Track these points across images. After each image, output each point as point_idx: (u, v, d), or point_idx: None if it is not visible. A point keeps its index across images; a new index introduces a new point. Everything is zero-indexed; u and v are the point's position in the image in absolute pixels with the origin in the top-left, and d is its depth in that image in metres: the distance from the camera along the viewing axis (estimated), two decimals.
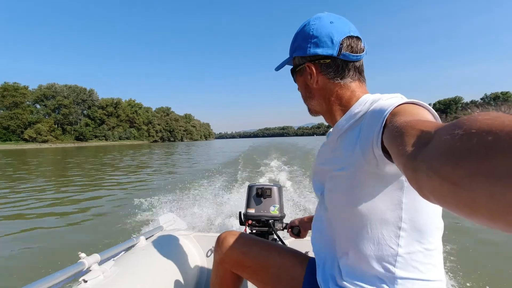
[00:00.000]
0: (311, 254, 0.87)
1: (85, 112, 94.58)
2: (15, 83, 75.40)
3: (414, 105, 0.49)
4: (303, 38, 0.68)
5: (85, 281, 0.87)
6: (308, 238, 1.14)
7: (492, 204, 0.19)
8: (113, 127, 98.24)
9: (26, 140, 71.99)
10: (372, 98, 0.61)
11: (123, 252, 1.17)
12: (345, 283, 0.63)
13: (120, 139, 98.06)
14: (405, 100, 0.51)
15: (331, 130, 0.71)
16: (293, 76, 0.75)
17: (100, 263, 0.99)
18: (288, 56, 0.74)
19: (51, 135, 78.31)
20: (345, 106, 0.66)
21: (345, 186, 0.60)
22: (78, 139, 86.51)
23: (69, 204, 5.09)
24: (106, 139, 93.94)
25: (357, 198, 0.58)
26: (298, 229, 1.15)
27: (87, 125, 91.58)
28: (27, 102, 77.95)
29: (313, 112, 0.73)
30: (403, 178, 0.54)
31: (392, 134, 0.41)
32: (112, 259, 1.08)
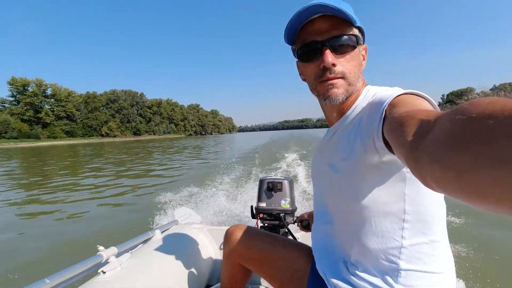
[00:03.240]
0: None
1: (137, 111, 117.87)
2: (94, 92, 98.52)
3: (413, 96, 0.49)
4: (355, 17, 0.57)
5: (104, 272, 0.93)
6: None
7: (498, 189, 0.19)
8: (158, 124, 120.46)
9: (102, 136, 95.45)
10: (372, 91, 0.61)
11: (139, 245, 1.20)
12: (349, 275, 0.62)
13: (164, 133, 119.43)
14: (404, 91, 0.50)
15: (334, 125, 0.67)
16: (346, 43, 0.58)
17: (117, 255, 1.03)
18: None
19: (117, 131, 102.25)
20: (356, 97, 0.63)
21: (346, 180, 0.59)
22: (135, 133, 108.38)
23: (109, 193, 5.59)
24: (154, 134, 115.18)
25: (359, 191, 0.57)
26: (307, 223, 1.17)
27: (140, 122, 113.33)
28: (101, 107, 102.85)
29: (346, 93, 0.60)
30: (405, 169, 0.53)
31: (392, 125, 0.41)
32: (129, 251, 1.11)
